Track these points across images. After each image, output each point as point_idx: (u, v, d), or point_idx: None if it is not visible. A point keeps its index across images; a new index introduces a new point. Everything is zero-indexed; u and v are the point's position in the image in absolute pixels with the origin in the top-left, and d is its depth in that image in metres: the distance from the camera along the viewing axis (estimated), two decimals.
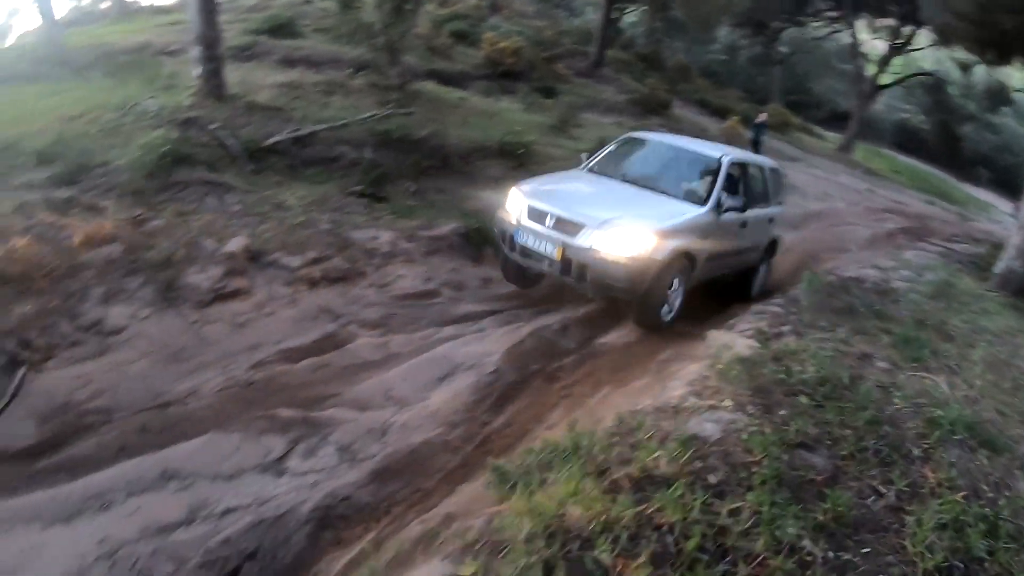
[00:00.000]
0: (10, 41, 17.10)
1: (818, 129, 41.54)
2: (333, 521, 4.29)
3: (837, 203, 20.15)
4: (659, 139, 8.97)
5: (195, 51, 11.39)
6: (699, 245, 7.11)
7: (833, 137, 40.22)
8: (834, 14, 39.08)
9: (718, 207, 7.37)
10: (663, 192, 7.53)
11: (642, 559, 2.59)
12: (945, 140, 44.25)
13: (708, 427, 3.69)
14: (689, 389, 4.31)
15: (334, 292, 7.80)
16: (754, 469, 3.30)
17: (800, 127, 37.05)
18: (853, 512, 3.20)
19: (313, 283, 7.78)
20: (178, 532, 4.29)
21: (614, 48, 32.47)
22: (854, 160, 34.45)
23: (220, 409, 5.57)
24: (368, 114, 12.39)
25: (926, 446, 4.00)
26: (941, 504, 3.32)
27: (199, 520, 4.39)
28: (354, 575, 3.29)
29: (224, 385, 5.91)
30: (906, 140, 48.71)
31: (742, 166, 8.38)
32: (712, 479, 3.19)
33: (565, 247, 6.74)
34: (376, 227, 9.19)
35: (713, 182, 7.57)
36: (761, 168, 9.17)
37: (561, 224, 6.84)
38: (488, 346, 6.61)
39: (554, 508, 2.80)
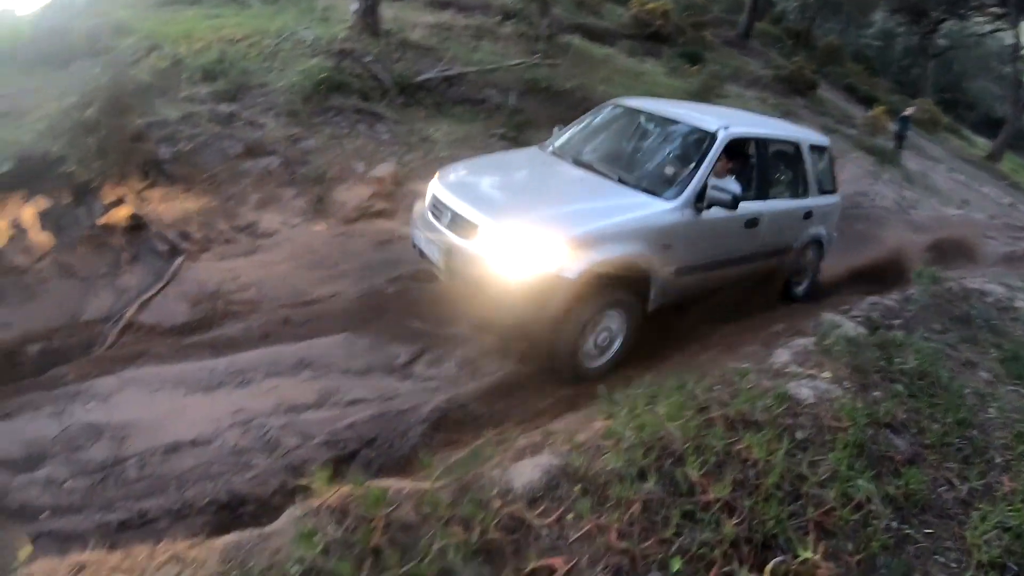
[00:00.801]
0: None
1: (967, 132, 39.46)
2: (448, 424, 4.75)
3: (976, 213, 19.17)
4: (646, 107, 6.65)
5: None
6: (658, 256, 5.28)
7: (982, 143, 38.00)
8: (999, 10, 36.72)
9: (698, 200, 5.45)
10: (622, 181, 5.63)
11: (725, 481, 2.88)
12: None
13: (804, 391, 3.86)
14: (792, 358, 4.47)
15: None
16: (839, 434, 3.47)
17: (949, 127, 35.23)
18: (924, 494, 3.34)
19: None
20: (307, 413, 4.88)
21: (765, 21, 31.68)
22: (1001, 171, 32.72)
23: (356, 314, 6.12)
24: (516, 61, 12.74)
25: (1009, 457, 4.01)
26: (1010, 509, 3.39)
27: (327, 406, 4.97)
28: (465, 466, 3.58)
29: (362, 293, 6.47)
30: None
31: (758, 143, 6.39)
32: (799, 435, 3.41)
33: (450, 253, 5.13)
34: None
35: (697, 165, 5.63)
36: (796, 144, 6.90)
37: (456, 223, 5.20)
38: None
39: (656, 426, 3.12)
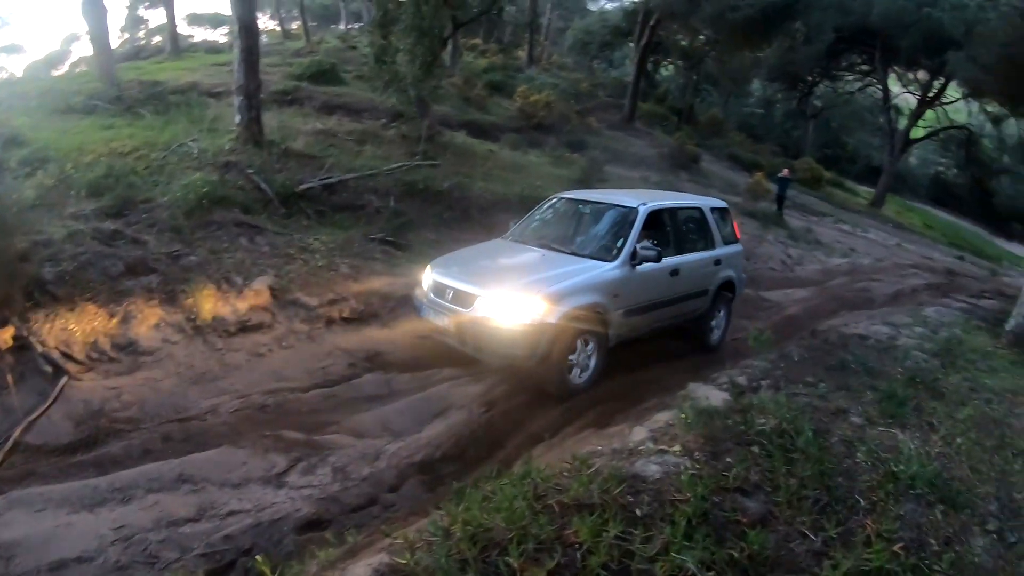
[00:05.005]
0: (65, 68, 18.25)
1: (851, 183, 41.60)
2: (319, 528, 4.93)
3: (862, 259, 20.11)
4: (581, 197, 8.76)
5: (237, 100, 12.13)
6: (610, 302, 7.04)
7: (866, 191, 40.09)
8: (866, 68, 39.36)
9: (632, 259, 7.25)
10: (574, 253, 7.50)
11: (546, 566, 3.00)
12: (978, 194, 43.12)
13: (652, 468, 3.99)
14: (650, 435, 4.64)
15: (348, 331, 8.39)
16: (680, 507, 3.56)
17: (832, 181, 37.10)
18: (772, 552, 3.41)
19: (330, 322, 8.43)
20: (186, 526, 4.96)
21: (650, 102, 32.96)
22: (885, 215, 34.34)
23: (234, 427, 6.23)
24: (396, 165, 13.06)
25: (875, 499, 4.13)
26: (869, 553, 3.47)
27: (205, 518, 5.05)
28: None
29: (240, 407, 6.57)
30: (940, 194, 48.35)
31: (671, 212, 8.26)
32: (638, 512, 3.51)
33: (459, 319, 6.81)
34: (393, 274, 9.74)
35: (628, 234, 7.45)
36: (700, 209, 8.94)
37: (458, 296, 6.91)
38: (484, 388, 7.08)
39: (481, 518, 3.28)
